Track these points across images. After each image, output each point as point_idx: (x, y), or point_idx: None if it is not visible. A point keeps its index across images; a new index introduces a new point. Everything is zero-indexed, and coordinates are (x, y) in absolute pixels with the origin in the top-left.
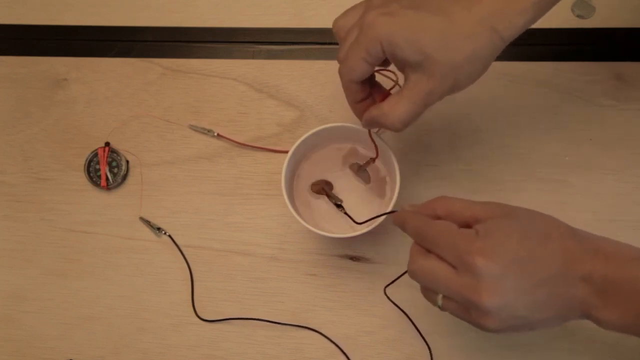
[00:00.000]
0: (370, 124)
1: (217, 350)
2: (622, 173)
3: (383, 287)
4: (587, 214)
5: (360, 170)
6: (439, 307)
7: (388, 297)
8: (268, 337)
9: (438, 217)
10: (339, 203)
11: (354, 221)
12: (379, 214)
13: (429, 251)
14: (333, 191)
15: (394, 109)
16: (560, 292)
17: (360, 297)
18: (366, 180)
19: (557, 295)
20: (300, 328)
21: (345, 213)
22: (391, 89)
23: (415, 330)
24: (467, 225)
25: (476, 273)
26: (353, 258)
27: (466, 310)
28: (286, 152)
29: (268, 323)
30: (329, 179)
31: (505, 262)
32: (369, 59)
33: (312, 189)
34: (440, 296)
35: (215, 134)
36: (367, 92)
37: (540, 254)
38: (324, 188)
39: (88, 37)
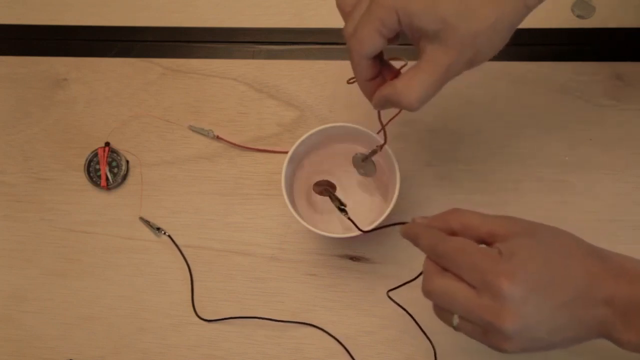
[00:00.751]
0: (382, 103)
1: (217, 350)
2: (622, 173)
3: (383, 286)
4: (587, 214)
5: (366, 161)
6: (454, 327)
7: (392, 299)
8: (268, 337)
9: (452, 232)
10: (343, 207)
11: (358, 228)
12: (388, 223)
13: (444, 269)
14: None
15: (409, 85)
16: (581, 314)
17: (360, 297)
18: (371, 172)
19: (578, 317)
20: (300, 325)
21: (349, 218)
22: (401, 68)
23: (416, 330)
24: (483, 241)
25: (499, 296)
26: (353, 258)
27: (484, 333)
28: (285, 152)
29: (268, 322)
30: (329, 179)
31: (529, 285)
32: (384, 30)
33: (314, 190)
34: (456, 316)
35: (215, 136)
36: (378, 69)
37: (563, 276)
38: (327, 189)
39: (88, 37)
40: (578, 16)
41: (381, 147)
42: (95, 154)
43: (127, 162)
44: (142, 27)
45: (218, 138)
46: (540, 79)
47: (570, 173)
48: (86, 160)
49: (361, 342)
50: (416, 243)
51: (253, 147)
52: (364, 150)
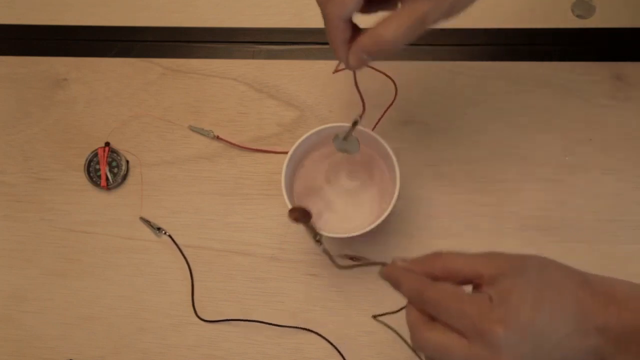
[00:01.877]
0: (359, 55)
1: (217, 350)
2: (622, 173)
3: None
4: (587, 214)
5: (349, 138)
6: None
7: (380, 322)
8: (268, 337)
9: (435, 276)
10: (317, 238)
11: (335, 264)
12: (369, 260)
13: (430, 317)
14: (335, 191)
15: (388, 27)
16: (577, 346)
17: (360, 297)
18: (354, 148)
19: (574, 351)
20: (299, 330)
21: (324, 250)
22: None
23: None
24: (469, 282)
25: (495, 345)
26: (353, 258)
27: None
28: (285, 152)
29: (267, 325)
30: (329, 179)
31: (524, 330)
32: None
33: (289, 216)
34: None
35: (215, 136)
36: (351, 31)
37: (556, 314)
38: (299, 218)
39: (88, 37)
40: (578, 16)
41: (361, 115)
42: (95, 154)
43: (127, 162)
44: (142, 27)
45: (218, 138)
46: (540, 79)
47: (570, 173)
48: (86, 160)
49: (361, 342)
50: (398, 287)
51: (253, 147)
52: (364, 149)
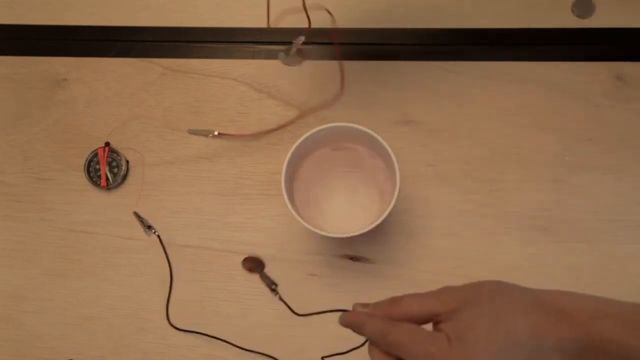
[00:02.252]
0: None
1: (217, 351)
2: (622, 173)
3: (383, 286)
4: (587, 214)
5: (290, 52)
6: None
7: None
8: (268, 337)
9: (396, 320)
10: (273, 287)
11: (292, 311)
12: (328, 308)
13: (395, 357)
14: (335, 191)
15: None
16: None
17: (360, 297)
18: (295, 62)
19: None
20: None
21: (280, 298)
22: None
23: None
24: (428, 322)
25: None
26: (353, 258)
27: None
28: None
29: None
30: (329, 179)
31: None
32: None
33: (243, 266)
34: None
35: (216, 133)
36: None
37: (512, 341)
38: (253, 268)
39: (88, 37)
40: (578, 16)
41: (307, 29)
42: (95, 154)
43: (127, 162)
44: (142, 27)
45: (220, 135)
46: (540, 79)
47: (570, 173)
48: (86, 160)
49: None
50: (360, 331)
51: (255, 132)
52: (364, 149)
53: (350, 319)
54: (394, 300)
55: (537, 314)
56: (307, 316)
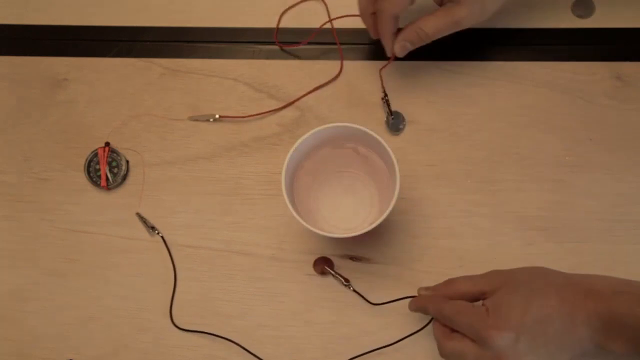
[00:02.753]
0: (404, 41)
1: (217, 351)
2: (622, 173)
3: (383, 286)
4: (587, 214)
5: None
6: None
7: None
8: (268, 337)
9: (451, 298)
10: (347, 283)
11: (368, 301)
12: (400, 297)
13: (451, 330)
14: (336, 191)
15: (428, 23)
16: (568, 340)
17: (360, 297)
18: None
19: (567, 344)
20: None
21: (354, 290)
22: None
23: (416, 330)
24: (477, 299)
25: (494, 346)
26: (353, 258)
27: None
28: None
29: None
30: (329, 179)
31: (516, 331)
32: None
33: (315, 270)
34: None
35: (217, 116)
36: (397, 25)
37: (543, 314)
38: (326, 267)
39: (88, 37)
40: (578, 16)
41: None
42: (95, 154)
43: (127, 162)
44: (142, 27)
45: (221, 117)
46: (540, 79)
47: (570, 173)
48: (86, 160)
49: (362, 342)
50: (426, 311)
51: (254, 113)
52: (364, 150)
53: (417, 304)
54: (449, 282)
55: (568, 292)
56: (384, 303)
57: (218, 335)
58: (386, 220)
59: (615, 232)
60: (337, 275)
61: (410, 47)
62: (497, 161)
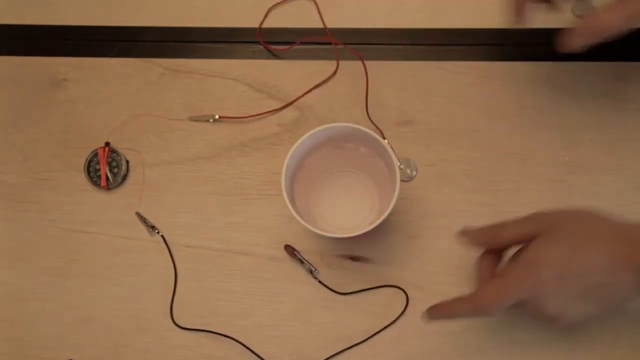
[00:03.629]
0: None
1: (217, 351)
2: (622, 173)
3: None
4: None
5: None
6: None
7: None
8: (268, 337)
9: (500, 244)
10: (314, 270)
11: (334, 291)
12: (369, 287)
13: (493, 274)
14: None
15: (611, 14)
16: (613, 290)
17: (360, 297)
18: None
19: (613, 287)
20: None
21: (319, 281)
22: None
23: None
24: (525, 241)
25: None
26: (353, 258)
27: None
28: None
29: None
30: (329, 179)
31: (556, 279)
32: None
33: (286, 251)
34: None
35: (217, 117)
36: None
37: (589, 261)
38: (295, 252)
39: (88, 37)
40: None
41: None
42: (95, 154)
43: (127, 162)
44: (142, 27)
45: (221, 117)
46: (540, 79)
47: (570, 173)
48: (86, 160)
49: (361, 342)
50: (475, 244)
51: (254, 114)
52: (365, 150)
53: (469, 236)
54: (496, 226)
55: (619, 243)
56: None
57: (219, 333)
58: (386, 220)
59: None
60: (305, 261)
61: (590, 39)
62: (497, 161)
